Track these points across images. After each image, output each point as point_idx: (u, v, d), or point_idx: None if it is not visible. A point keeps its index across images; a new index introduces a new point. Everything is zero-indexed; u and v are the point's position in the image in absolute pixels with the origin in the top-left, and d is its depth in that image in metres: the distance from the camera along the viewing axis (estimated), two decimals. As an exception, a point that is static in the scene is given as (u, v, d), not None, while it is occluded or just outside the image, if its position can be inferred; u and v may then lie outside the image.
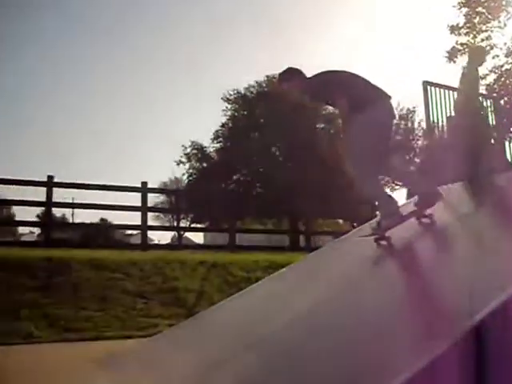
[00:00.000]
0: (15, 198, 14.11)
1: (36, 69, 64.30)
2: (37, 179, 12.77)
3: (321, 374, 2.58)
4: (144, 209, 12.27)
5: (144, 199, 11.94)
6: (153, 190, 18.59)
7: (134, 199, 12.65)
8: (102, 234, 35.16)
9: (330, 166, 21.37)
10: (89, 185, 13.80)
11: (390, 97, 5.06)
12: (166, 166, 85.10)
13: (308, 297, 4.20)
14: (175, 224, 26.65)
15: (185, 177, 24.16)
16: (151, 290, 8.31)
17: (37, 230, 46.16)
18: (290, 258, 9.77)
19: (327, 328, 3.32)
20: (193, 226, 24.99)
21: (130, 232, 45.03)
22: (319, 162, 21.58)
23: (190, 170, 23.25)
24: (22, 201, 13.37)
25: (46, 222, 12.90)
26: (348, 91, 4.87)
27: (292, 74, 5.31)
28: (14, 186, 13.62)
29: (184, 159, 23.13)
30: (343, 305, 3.71)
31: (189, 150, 23.31)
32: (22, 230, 42.70)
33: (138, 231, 36.08)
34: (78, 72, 63.98)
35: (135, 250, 11.82)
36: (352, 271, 4.55)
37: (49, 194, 11.75)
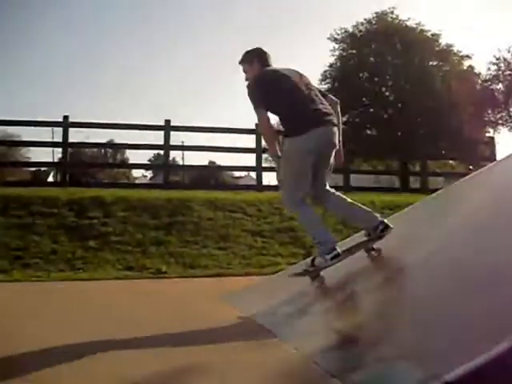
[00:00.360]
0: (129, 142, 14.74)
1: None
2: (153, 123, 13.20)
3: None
4: (259, 150, 12.39)
5: (258, 141, 12.03)
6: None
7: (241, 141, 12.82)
8: (213, 177, 36.14)
9: (443, 105, 20.83)
10: (203, 127, 14.12)
11: (328, 122, 4.45)
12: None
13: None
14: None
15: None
16: (269, 229, 8.46)
17: (149, 174, 48.18)
18: (405, 199, 9.67)
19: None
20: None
21: (237, 175, 46.16)
22: (432, 102, 20.91)
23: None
24: (137, 145, 13.84)
25: (164, 164, 13.22)
26: (280, 106, 4.51)
27: (253, 56, 4.75)
28: (129, 131, 14.14)
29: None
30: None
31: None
32: (135, 173, 44.69)
33: (245, 173, 36.77)
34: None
35: (250, 190, 11.97)
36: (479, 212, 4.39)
37: (166, 137, 12.11)
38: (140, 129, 13.48)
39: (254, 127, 11.44)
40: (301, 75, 4.63)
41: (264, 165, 13.79)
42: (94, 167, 26.31)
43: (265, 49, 4.80)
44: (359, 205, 4.65)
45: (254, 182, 13.72)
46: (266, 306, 4.30)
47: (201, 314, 4.25)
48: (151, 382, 2.70)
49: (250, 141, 13.25)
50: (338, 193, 4.72)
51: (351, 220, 5.11)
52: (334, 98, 4.83)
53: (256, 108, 4.44)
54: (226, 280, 6.48)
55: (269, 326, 3.68)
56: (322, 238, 4.49)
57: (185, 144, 16.60)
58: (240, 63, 4.79)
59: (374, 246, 4.56)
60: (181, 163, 37.21)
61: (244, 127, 13.61)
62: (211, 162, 34.12)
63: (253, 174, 33.32)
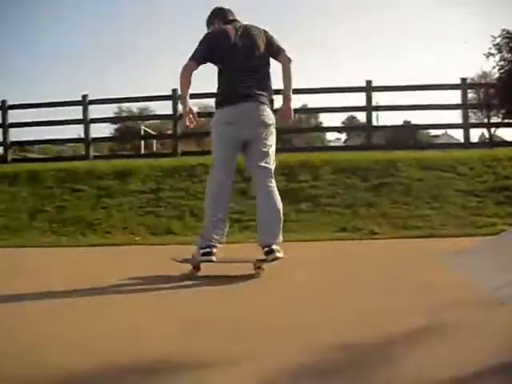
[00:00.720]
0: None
1: None
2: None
3: None
4: (465, 106, 11.91)
5: (464, 96, 11.56)
6: (472, 86, 17.74)
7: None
8: (410, 136, 35.44)
9: None
10: (402, 86, 13.83)
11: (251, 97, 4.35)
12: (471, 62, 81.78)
13: None
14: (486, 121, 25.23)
15: (495, 70, 22.56)
16: (483, 189, 8.11)
17: (343, 136, 48.57)
18: None
19: None
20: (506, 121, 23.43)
21: (434, 133, 44.62)
22: None
23: (501, 62, 21.63)
24: (335, 108, 14.00)
25: (366, 126, 13.13)
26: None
27: (213, 18, 4.73)
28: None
29: (494, 51, 21.55)
30: None
31: (498, 40, 21.62)
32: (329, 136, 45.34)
33: (442, 131, 35.41)
34: None
35: (458, 148, 11.52)
36: None
37: (368, 98, 12.03)
38: (339, 91, 13.60)
39: (459, 82, 11.00)
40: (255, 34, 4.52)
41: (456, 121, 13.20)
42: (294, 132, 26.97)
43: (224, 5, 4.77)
44: (276, 216, 4.39)
45: (452, 140, 13.26)
46: (493, 269, 4.11)
47: (424, 277, 4.13)
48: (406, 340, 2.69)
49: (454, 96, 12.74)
50: (271, 188, 4.42)
51: (258, 223, 4.57)
52: (287, 56, 4.60)
53: (190, 57, 4.45)
54: (441, 241, 6.31)
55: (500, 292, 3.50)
56: (206, 228, 4.48)
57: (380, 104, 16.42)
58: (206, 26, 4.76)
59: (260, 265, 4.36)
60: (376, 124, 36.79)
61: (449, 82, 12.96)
62: (406, 122, 33.27)
63: (451, 132, 32.06)
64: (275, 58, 4.58)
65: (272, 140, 4.53)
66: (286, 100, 4.59)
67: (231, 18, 4.67)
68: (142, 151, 21.30)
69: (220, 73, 4.53)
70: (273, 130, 4.53)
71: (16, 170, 10.57)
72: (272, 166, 4.47)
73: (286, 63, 4.60)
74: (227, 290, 4.04)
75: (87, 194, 9.21)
